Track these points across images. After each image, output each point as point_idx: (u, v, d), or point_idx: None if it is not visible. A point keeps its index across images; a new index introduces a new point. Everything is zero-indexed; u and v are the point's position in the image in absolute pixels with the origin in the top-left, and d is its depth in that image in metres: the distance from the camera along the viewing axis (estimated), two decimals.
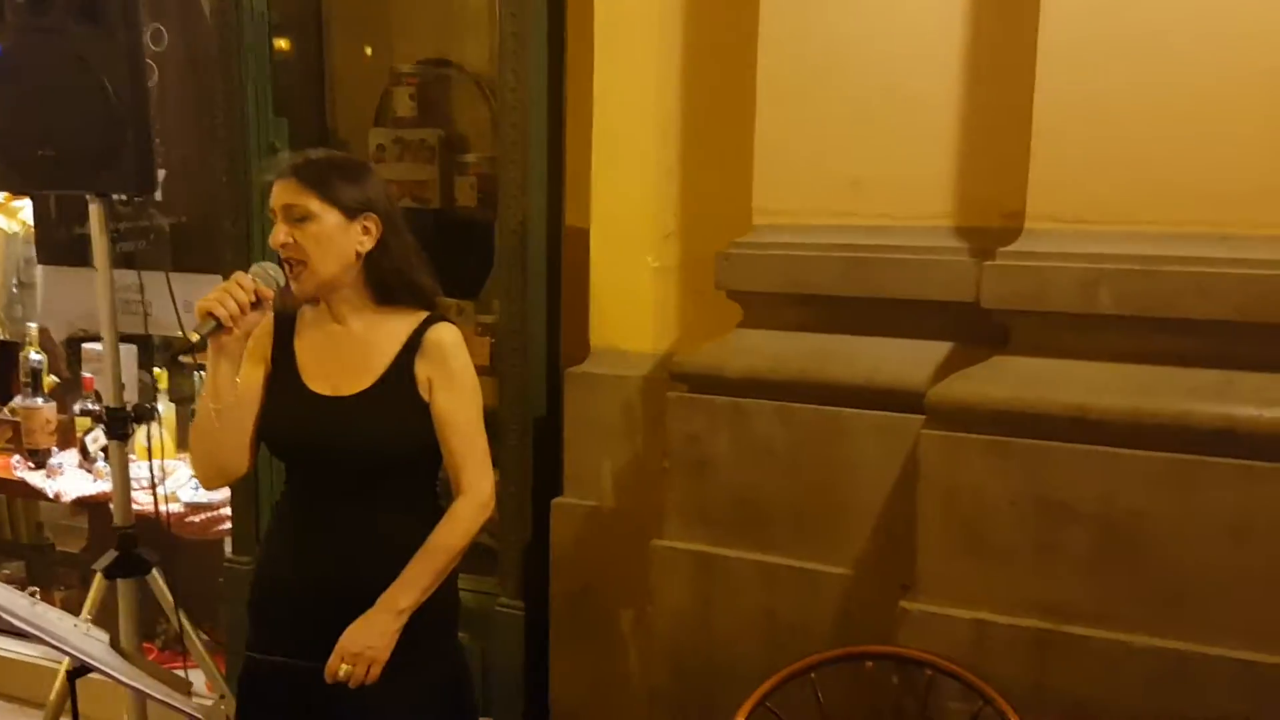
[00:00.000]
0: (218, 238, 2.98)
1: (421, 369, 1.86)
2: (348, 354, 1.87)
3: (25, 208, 4.03)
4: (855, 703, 1.99)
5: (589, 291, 2.54)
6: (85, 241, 3.22)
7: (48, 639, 1.92)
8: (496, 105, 2.65)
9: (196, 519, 3.25)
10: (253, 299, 1.75)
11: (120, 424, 2.68)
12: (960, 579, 1.93)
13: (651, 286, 2.48)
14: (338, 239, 1.79)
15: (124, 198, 2.78)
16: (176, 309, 2.50)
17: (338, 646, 1.79)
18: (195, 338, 1.73)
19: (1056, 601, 1.86)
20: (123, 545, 2.68)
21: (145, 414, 2.73)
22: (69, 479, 3.58)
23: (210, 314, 1.73)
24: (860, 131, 2.13)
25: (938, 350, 2.09)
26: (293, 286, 1.80)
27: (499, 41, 2.55)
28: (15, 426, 3.84)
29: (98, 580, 2.69)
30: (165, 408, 3.73)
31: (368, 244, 1.82)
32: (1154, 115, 1.81)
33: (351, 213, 1.80)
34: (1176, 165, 1.81)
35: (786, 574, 2.17)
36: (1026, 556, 1.88)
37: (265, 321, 1.89)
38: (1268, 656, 1.70)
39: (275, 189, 1.80)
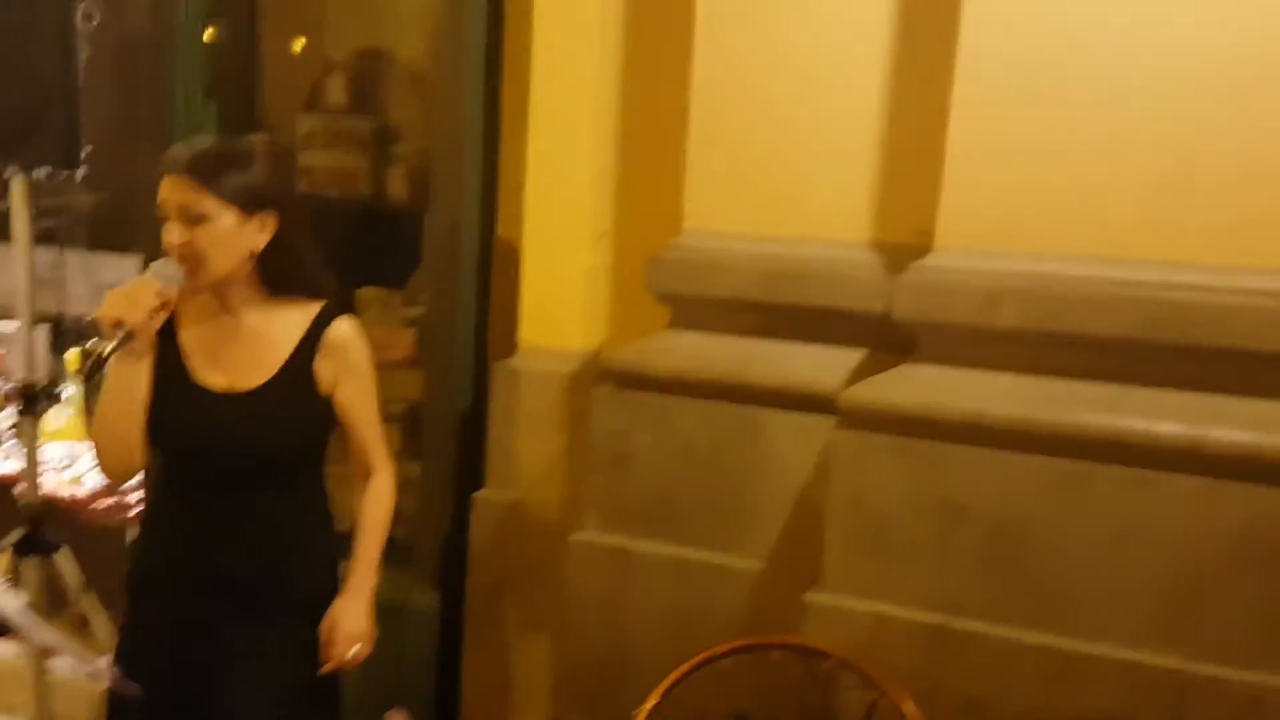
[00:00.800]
0: (138, 218, 2.94)
1: (323, 364, 1.83)
2: (240, 346, 1.81)
3: None
4: (760, 693, 2.06)
5: (518, 287, 2.58)
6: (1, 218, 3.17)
7: None
8: (433, 97, 2.68)
9: (101, 505, 3.19)
10: (157, 304, 1.68)
11: (33, 401, 2.65)
12: (862, 573, 2.02)
13: (582, 285, 2.54)
14: (234, 237, 1.72)
15: (46, 174, 2.73)
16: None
17: (339, 632, 1.84)
18: (106, 349, 1.66)
19: (951, 598, 1.96)
20: (31, 523, 2.64)
21: (54, 396, 2.70)
22: None
23: (118, 324, 1.65)
24: (786, 149, 2.22)
25: (851, 357, 2.18)
26: (186, 284, 1.72)
27: (436, 34, 2.58)
28: None
29: (5, 558, 2.64)
30: (75, 390, 3.67)
31: (263, 240, 1.75)
32: (1056, 153, 1.93)
33: (248, 210, 1.72)
34: (1075, 197, 1.93)
35: (699, 568, 2.25)
36: (924, 554, 1.98)
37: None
38: (1149, 657, 1.83)
39: (167, 184, 1.70)
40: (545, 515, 2.51)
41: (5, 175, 2.54)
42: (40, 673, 2.69)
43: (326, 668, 1.84)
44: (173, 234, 1.70)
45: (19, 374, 2.66)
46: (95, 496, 3.15)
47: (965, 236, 2.01)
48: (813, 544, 2.13)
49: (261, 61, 3.05)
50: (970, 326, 1.99)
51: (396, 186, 2.85)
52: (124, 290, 1.68)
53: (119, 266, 2.95)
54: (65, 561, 2.66)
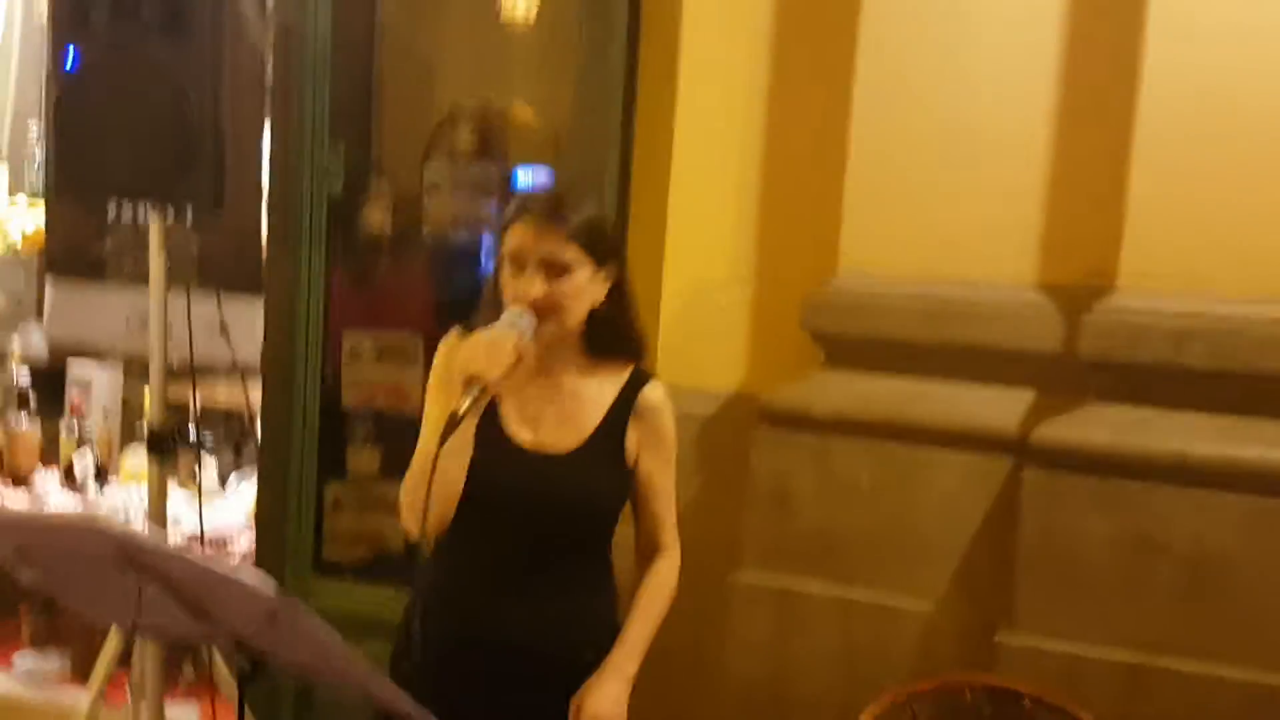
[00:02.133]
0: (251, 259, 2.94)
1: (633, 431, 1.73)
2: (555, 406, 1.72)
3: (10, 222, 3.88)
4: None
5: (656, 328, 2.58)
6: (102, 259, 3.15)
7: None
8: (564, 142, 2.70)
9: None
10: (515, 359, 1.58)
11: (161, 441, 2.61)
12: (1057, 613, 2.03)
13: (721, 326, 2.55)
14: (588, 290, 1.64)
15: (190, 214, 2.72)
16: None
17: (586, 712, 1.69)
18: (463, 408, 1.55)
19: (1149, 636, 1.97)
20: None
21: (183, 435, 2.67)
22: (54, 503, 3.44)
23: (474, 380, 1.56)
24: (949, 188, 2.25)
25: (1020, 396, 2.20)
26: (537, 338, 1.62)
27: (576, 86, 2.61)
28: None
29: None
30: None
31: (603, 294, 1.67)
32: (1239, 192, 1.98)
33: (600, 262, 1.65)
34: (1258, 237, 1.97)
35: (866, 609, 2.24)
36: (1121, 593, 1.99)
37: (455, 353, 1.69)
38: None
39: (527, 231, 1.62)
40: (691, 556, 2.49)
41: (147, 216, 2.53)
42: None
43: None
44: (535, 286, 1.61)
45: (151, 417, 2.62)
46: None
47: (1149, 277, 2.04)
48: (983, 585, 2.13)
49: (378, 104, 3.06)
50: (1159, 365, 2.01)
51: None
52: (481, 345, 1.58)
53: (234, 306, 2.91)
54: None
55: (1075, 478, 2.01)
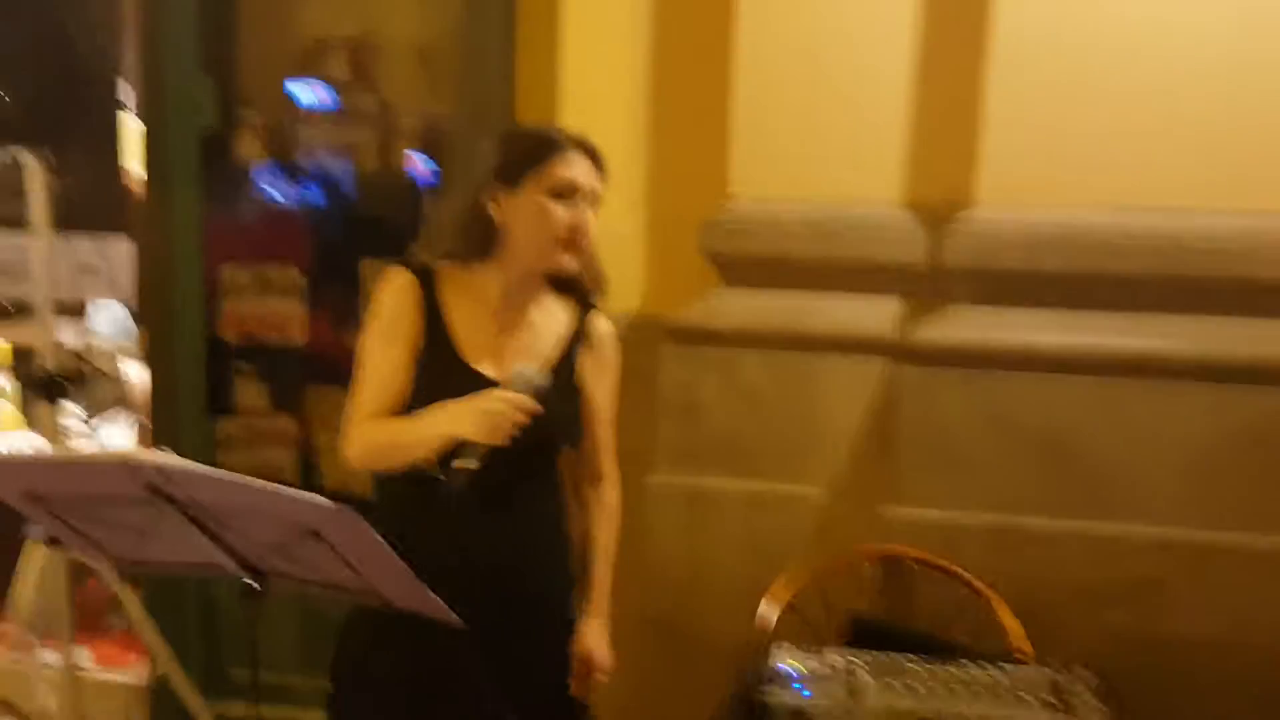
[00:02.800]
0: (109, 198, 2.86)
1: (584, 358, 1.85)
2: (515, 338, 1.80)
3: None
4: (848, 597, 2.36)
5: None
6: None
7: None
8: (447, 72, 2.74)
9: None
10: (522, 421, 1.64)
11: (53, 388, 2.56)
12: (934, 487, 2.36)
13: (618, 252, 2.70)
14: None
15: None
16: None
17: (594, 656, 1.88)
18: (471, 465, 1.63)
19: (1011, 500, 2.33)
20: None
21: (73, 380, 2.61)
22: None
23: (484, 445, 1.64)
24: (825, 118, 2.48)
25: (893, 304, 2.49)
26: (570, 268, 1.76)
27: (454, 18, 2.66)
28: None
29: (33, 548, 2.55)
30: (6, 381, 3.47)
31: None
32: (1083, 109, 2.29)
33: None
34: (1102, 151, 2.30)
35: (769, 498, 2.51)
36: (986, 466, 2.34)
37: (410, 291, 1.79)
38: (1175, 531, 2.27)
39: (582, 164, 1.73)
40: None
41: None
42: (73, 675, 2.62)
43: (575, 690, 1.89)
44: (584, 217, 1.71)
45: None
46: None
47: (1002, 192, 2.35)
48: (870, 468, 2.45)
49: (239, 36, 2.99)
50: (1012, 271, 2.34)
51: (403, 157, 2.89)
52: (496, 414, 1.63)
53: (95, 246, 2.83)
54: None
55: (944, 371, 2.33)
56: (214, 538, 1.62)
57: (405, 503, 1.81)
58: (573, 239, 1.72)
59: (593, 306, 1.89)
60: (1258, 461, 2.23)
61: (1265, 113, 2.22)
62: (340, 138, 2.92)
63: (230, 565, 1.68)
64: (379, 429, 1.79)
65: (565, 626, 1.95)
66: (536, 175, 1.72)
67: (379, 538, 1.48)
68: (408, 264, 1.86)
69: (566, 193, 1.72)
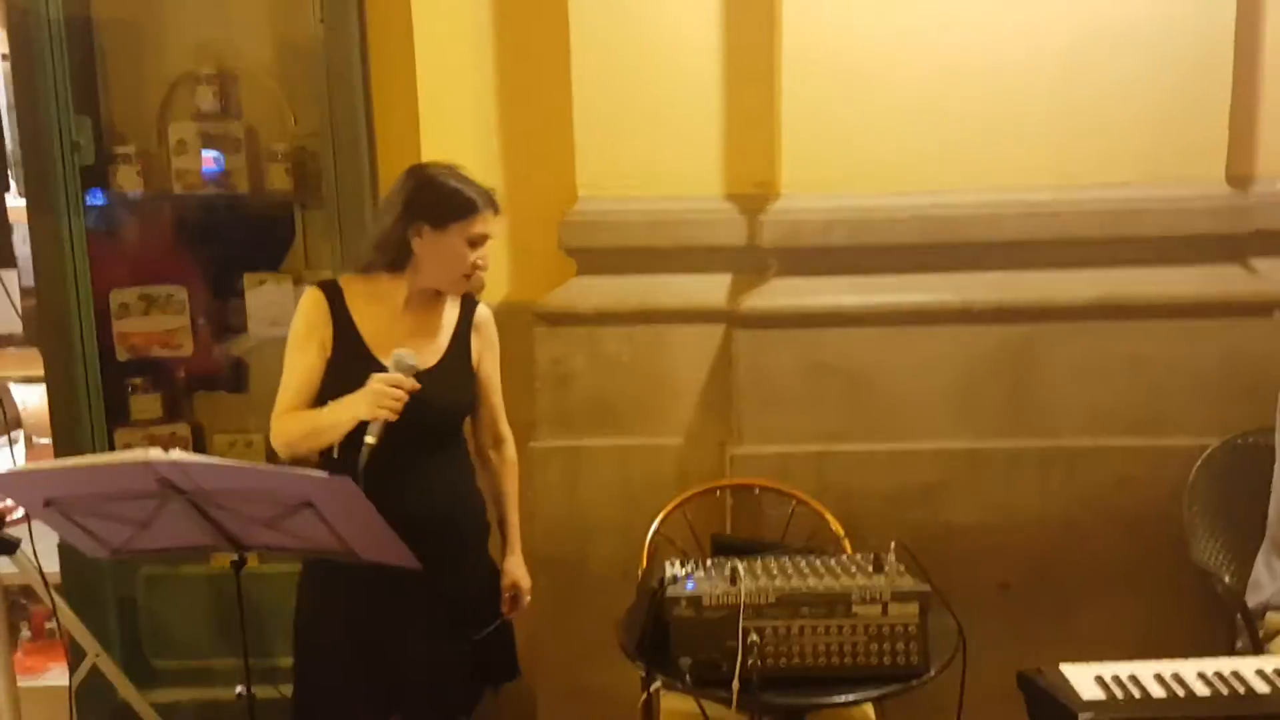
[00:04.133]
0: None
1: (475, 342, 2.29)
2: (413, 332, 2.21)
3: None
4: (707, 524, 2.89)
5: None
6: None
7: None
8: (318, 94, 3.06)
9: None
10: (407, 395, 2.05)
11: None
12: (767, 426, 2.92)
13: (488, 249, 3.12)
14: None
15: None
16: None
17: (520, 584, 2.39)
18: (373, 441, 2.02)
19: (827, 430, 2.92)
20: None
21: None
22: None
23: (382, 420, 2.03)
24: (652, 126, 2.96)
25: (723, 280, 3.02)
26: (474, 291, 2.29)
27: (315, 48, 3.00)
28: None
29: None
30: None
31: None
32: (863, 113, 2.87)
33: None
34: (879, 147, 2.88)
35: (636, 450, 3.01)
36: (807, 405, 2.91)
37: (319, 304, 2.18)
38: (949, 443, 2.90)
39: (491, 222, 2.20)
40: None
41: None
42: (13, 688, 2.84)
43: (508, 613, 2.37)
44: (482, 258, 2.21)
45: None
46: None
47: (801, 184, 2.91)
48: (716, 416, 2.99)
49: (102, 73, 3.20)
50: (814, 247, 2.91)
51: (280, 180, 3.18)
52: (379, 393, 2.04)
53: None
54: (26, 561, 2.81)
55: (768, 331, 2.89)
56: (210, 520, 1.97)
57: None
58: (473, 273, 2.20)
59: (475, 301, 2.34)
60: (1005, 380, 2.90)
61: (997, 110, 2.85)
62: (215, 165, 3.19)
63: (221, 543, 2.03)
64: (296, 420, 2.20)
65: (486, 565, 2.42)
66: (460, 226, 2.17)
67: (367, 500, 1.88)
68: (319, 283, 2.27)
69: (479, 242, 2.20)
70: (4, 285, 2.81)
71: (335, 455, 2.11)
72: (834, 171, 2.91)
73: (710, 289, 3.00)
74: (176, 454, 1.85)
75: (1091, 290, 2.86)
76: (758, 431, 2.93)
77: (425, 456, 2.22)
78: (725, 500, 2.94)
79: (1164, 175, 2.86)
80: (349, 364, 2.15)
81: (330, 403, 2.14)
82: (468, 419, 2.39)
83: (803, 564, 2.24)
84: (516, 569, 2.43)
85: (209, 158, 3.20)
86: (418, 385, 2.08)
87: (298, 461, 2.21)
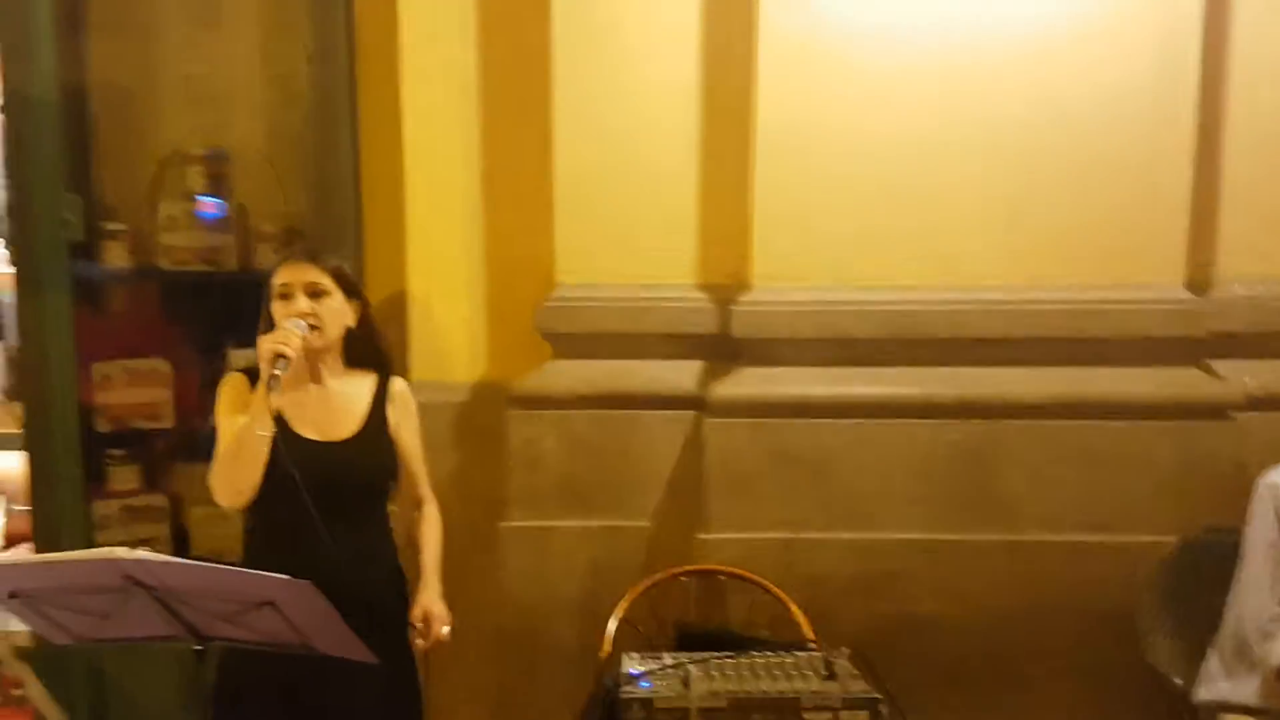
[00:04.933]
0: None
1: (391, 414, 2.39)
2: (327, 408, 2.33)
3: None
4: (674, 609, 2.93)
5: (405, 338, 3.18)
6: None
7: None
8: (307, 175, 3.15)
9: None
10: (301, 343, 2.18)
11: None
12: (733, 513, 2.97)
13: (463, 331, 3.20)
14: (341, 313, 2.31)
15: None
16: None
17: (431, 614, 2.36)
18: (277, 373, 2.12)
19: (793, 519, 2.97)
20: None
21: None
22: None
23: (280, 356, 2.13)
24: (629, 218, 3.06)
25: (694, 367, 3.09)
26: (312, 343, 2.24)
27: (311, 115, 3.09)
28: None
29: None
30: None
31: (353, 320, 2.35)
32: (830, 214, 2.96)
33: (349, 294, 2.33)
34: (837, 245, 2.98)
35: (603, 532, 3.06)
36: (774, 493, 2.97)
37: (240, 385, 2.31)
38: (908, 533, 2.95)
39: (293, 268, 2.27)
40: (463, 515, 3.14)
41: None
42: None
43: (426, 645, 2.39)
44: (301, 303, 2.25)
45: None
46: None
47: (770, 278, 2.99)
48: (684, 502, 3.04)
49: (96, 152, 3.29)
50: (782, 339, 2.98)
51: (267, 258, 3.25)
52: (276, 335, 2.17)
53: None
54: None
55: (737, 419, 2.95)
56: (173, 614, 2.01)
57: (261, 536, 2.32)
58: (307, 322, 2.26)
59: (389, 373, 2.43)
60: (967, 473, 2.96)
61: (964, 210, 2.95)
62: (201, 241, 3.27)
63: (181, 634, 2.07)
64: (220, 456, 2.28)
65: (399, 625, 2.44)
66: (273, 285, 2.31)
67: (326, 601, 1.93)
68: (241, 369, 2.38)
69: (286, 294, 2.28)
70: None
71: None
72: (803, 265, 2.99)
73: (681, 375, 3.07)
74: (141, 553, 1.89)
75: (1051, 388, 2.93)
76: (725, 517, 2.99)
77: (342, 524, 2.26)
78: (691, 585, 2.98)
79: (1124, 277, 2.94)
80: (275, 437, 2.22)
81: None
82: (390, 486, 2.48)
83: (759, 662, 2.28)
84: (426, 598, 2.40)
85: (208, 203, 3.29)
86: (307, 339, 2.21)
87: (248, 529, 2.32)
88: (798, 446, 2.97)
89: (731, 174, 3.03)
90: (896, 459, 2.96)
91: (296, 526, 2.24)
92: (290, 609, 1.95)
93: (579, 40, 2.99)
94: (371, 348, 2.44)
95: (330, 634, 2.01)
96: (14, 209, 3.02)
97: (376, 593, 2.39)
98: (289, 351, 2.16)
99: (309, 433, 2.31)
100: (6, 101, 2.97)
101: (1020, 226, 2.94)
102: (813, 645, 2.63)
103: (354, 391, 2.40)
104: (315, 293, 2.27)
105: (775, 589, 2.88)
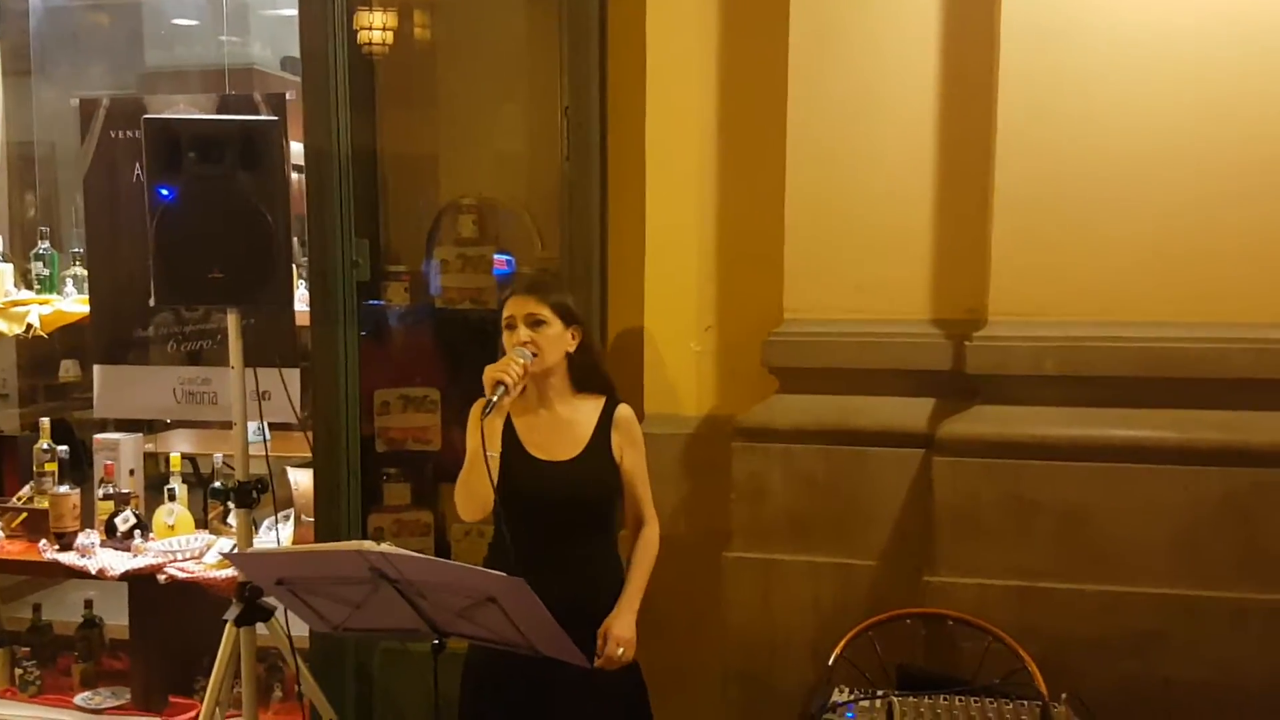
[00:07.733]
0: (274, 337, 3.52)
1: (615, 439, 2.57)
2: (557, 429, 2.54)
3: (29, 312, 4.34)
4: (897, 651, 2.83)
5: (642, 372, 3.31)
6: (144, 343, 3.70)
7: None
8: (564, 231, 3.38)
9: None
10: (523, 370, 2.37)
11: (246, 495, 3.21)
12: (964, 557, 2.84)
13: (694, 366, 3.29)
14: (560, 340, 2.50)
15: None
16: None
17: (611, 634, 2.45)
18: (494, 399, 2.32)
19: (1031, 567, 2.79)
20: (249, 596, 3.16)
21: (262, 487, 3.26)
22: (104, 557, 3.93)
23: (499, 383, 2.33)
24: (862, 251, 3.04)
25: (926, 404, 3.01)
26: (531, 368, 2.42)
27: (562, 181, 3.32)
28: (27, 513, 4.15)
29: (229, 630, 3.17)
30: (179, 488, 4.15)
31: (573, 346, 2.53)
32: (1073, 243, 2.81)
33: (567, 323, 2.52)
34: (1089, 275, 2.81)
35: (828, 568, 3.01)
36: (1009, 538, 2.81)
37: (480, 412, 2.46)
38: (1169, 589, 2.70)
39: (515, 302, 2.48)
40: (690, 543, 3.20)
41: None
42: None
43: (598, 663, 2.45)
44: (522, 333, 2.46)
45: (238, 472, 3.21)
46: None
47: (1010, 312, 2.86)
48: (912, 542, 2.94)
49: (384, 203, 3.70)
50: (1022, 375, 2.84)
51: None
52: (499, 363, 2.38)
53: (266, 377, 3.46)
54: (278, 627, 3.18)
55: (970, 459, 2.83)
56: (414, 607, 2.20)
57: (500, 549, 2.49)
58: (515, 357, 2.44)
59: (615, 398, 2.59)
60: (1230, 530, 2.67)
61: (1231, 238, 2.70)
62: (469, 283, 3.59)
63: (422, 628, 2.26)
64: (459, 484, 2.49)
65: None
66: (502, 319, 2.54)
67: (539, 601, 2.05)
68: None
69: (510, 325, 2.49)
70: (285, 381, 3.28)
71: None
72: (1045, 299, 2.85)
73: (912, 412, 3.00)
74: (385, 546, 2.11)
75: None
76: (955, 561, 2.86)
77: (564, 540, 2.48)
78: (918, 629, 2.87)
79: None
80: (509, 456, 2.49)
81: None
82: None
83: (972, 705, 2.17)
84: (614, 620, 2.48)
85: (500, 260, 3.64)
86: (528, 366, 2.39)
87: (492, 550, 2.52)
88: (1037, 489, 2.80)
89: (969, 204, 2.95)
90: (1150, 507, 2.73)
91: (525, 541, 2.42)
92: (509, 605, 2.09)
93: (815, 75, 3.02)
94: (595, 373, 2.62)
95: (548, 635, 2.14)
96: (312, 253, 3.44)
97: (601, 610, 2.51)
98: (507, 379, 2.36)
99: (538, 453, 2.53)
100: (308, 161, 3.42)
101: None
102: (1039, 695, 2.46)
103: (580, 416, 2.58)
104: (535, 322, 2.47)
105: (1008, 638, 2.72)
